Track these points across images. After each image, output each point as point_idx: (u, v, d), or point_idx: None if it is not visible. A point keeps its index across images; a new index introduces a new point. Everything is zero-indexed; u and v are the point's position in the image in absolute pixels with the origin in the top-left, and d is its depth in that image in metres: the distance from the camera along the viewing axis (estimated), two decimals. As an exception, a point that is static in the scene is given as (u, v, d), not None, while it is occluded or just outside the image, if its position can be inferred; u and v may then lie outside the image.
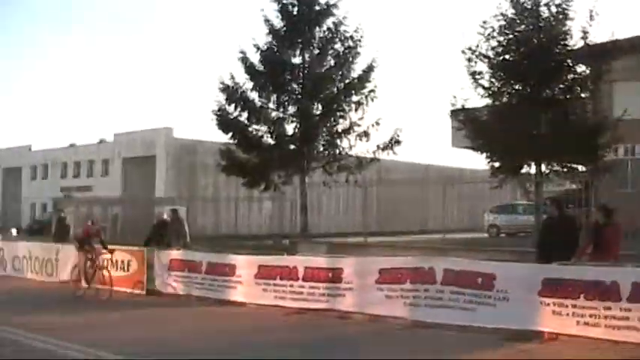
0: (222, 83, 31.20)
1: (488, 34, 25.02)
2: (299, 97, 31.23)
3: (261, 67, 31.40)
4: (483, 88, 25.22)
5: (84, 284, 20.13)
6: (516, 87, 25.12)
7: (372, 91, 31.48)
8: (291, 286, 16.56)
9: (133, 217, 34.81)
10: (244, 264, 17.83)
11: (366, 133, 31.40)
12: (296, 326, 15.10)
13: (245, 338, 13.74)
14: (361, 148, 31.74)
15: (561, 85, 24.73)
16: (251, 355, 11.92)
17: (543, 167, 25.18)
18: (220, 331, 14.42)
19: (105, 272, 19.86)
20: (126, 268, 20.74)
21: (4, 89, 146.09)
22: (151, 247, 20.80)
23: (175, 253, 19.86)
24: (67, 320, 15.77)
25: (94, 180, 64.36)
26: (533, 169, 25.55)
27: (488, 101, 25.67)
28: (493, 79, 25.20)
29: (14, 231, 45.28)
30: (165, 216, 22.73)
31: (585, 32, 24.23)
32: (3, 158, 76.25)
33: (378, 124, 31.32)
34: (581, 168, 25.76)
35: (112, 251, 20.25)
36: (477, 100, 25.76)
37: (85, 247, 20.40)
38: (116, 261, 20.91)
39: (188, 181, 54.56)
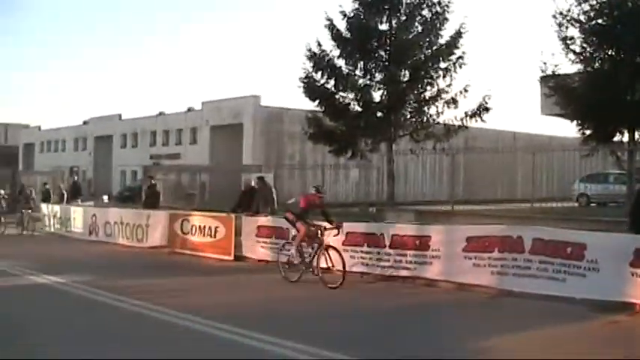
0: (309, 50, 31.27)
1: (580, -2, 24.46)
2: (386, 63, 31.07)
3: (347, 34, 31.31)
4: (575, 53, 24.67)
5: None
6: (609, 52, 24.49)
7: (460, 57, 31.11)
8: (378, 253, 16.63)
9: (221, 185, 35.30)
10: (331, 231, 17.94)
11: (453, 100, 31.09)
12: (381, 293, 15.18)
13: (328, 305, 13.90)
14: (449, 116, 31.47)
15: (656, 50, 24.00)
16: (334, 322, 12.06)
17: (637, 135, 24.59)
18: (304, 298, 14.58)
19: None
20: (213, 235, 21.10)
21: (96, 59, 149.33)
22: (239, 214, 21.13)
23: (263, 220, 20.12)
24: (156, 284, 16.21)
25: (182, 148, 65.30)
26: (626, 137, 24.97)
27: (579, 67, 25.10)
28: (585, 45, 24.61)
29: (105, 197, 46.49)
30: (252, 183, 23.02)
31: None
32: (94, 127, 78.05)
33: (466, 90, 30.98)
34: (675, 135, 25.07)
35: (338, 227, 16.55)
36: (568, 66, 25.24)
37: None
38: (204, 227, 21.33)
39: (275, 149, 54.95)
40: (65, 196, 33.37)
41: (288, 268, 16.57)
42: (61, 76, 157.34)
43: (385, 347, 10.01)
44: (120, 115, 75.63)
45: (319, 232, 16.15)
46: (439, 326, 11.88)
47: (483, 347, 10.03)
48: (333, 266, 15.84)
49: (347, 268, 15.70)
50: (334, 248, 16.06)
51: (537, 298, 13.35)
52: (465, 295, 14.45)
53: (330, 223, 16.30)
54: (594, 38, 24.44)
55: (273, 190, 22.91)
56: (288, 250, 16.77)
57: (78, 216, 28.23)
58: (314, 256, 16.17)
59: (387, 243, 16.47)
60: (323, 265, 16.00)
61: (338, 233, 16.38)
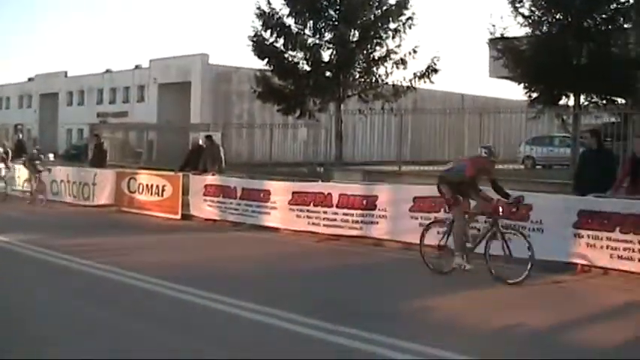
0: (259, 9, 31.04)
1: (530, -40, 24.52)
2: (336, 23, 30.95)
3: (298, -7, 31.11)
4: (523, 16, 24.78)
5: None
6: (557, 16, 24.64)
7: (409, 18, 31.17)
8: (325, 212, 16.66)
9: (169, 143, 34.93)
10: (279, 190, 17.95)
11: (402, 61, 31.18)
12: (328, 253, 15.23)
13: (276, 263, 13.93)
14: (398, 76, 31.59)
15: (603, 15, 24.17)
16: (280, 280, 12.08)
17: (582, 99, 24.84)
18: (251, 257, 14.57)
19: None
20: (161, 193, 20.95)
21: (40, 15, 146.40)
22: (187, 173, 20.97)
23: (210, 179, 20.01)
24: (104, 243, 16.05)
25: (129, 106, 64.64)
26: (571, 101, 25.24)
27: (527, 30, 25.24)
28: (534, 8, 24.73)
29: (51, 156, 45.71)
30: (200, 142, 22.82)
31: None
32: (40, 84, 76.75)
33: (415, 51, 31.08)
34: (620, 100, 25.36)
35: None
36: (517, 29, 25.39)
37: None
38: (151, 186, 21.15)
39: (223, 108, 54.58)
40: (9, 154, 32.77)
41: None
42: (5, 31, 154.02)
43: (326, 305, 10.02)
44: (66, 73, 74.50)
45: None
46: (383, 284, 11.95)
47: (427, 306, 10.10)
48: None
49: (293, 227, 15.86)
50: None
51: (482, 257, 13.45)
52: (411, 254, 14.52)
53: (505, 197, 12.28)
54: (543, 2, 24.58)
55: (221, 148, 22.72)
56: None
57: (22, 174, 27.73)
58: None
59: (335, 202, 16.50)
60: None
61: (517, 210, 12.48)
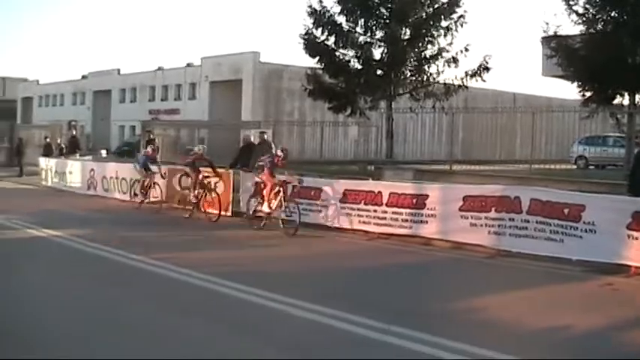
0: (310, 7, 31.07)
1: (585, -42, 24.22)
2: (387, 21, 30.87)
3: (349, -9, 31.09)
4: (577, 14, 24.49)
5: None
6: (612, 14, 24.30)
7: (461, 16, 30.96)
8: (375, 211, 16.68)
9: (220, 140, 35.17)
10: (329, 188, 17.99)
11: (454, 59, 31.00)
12: (377, 251, 15.23)
13: (327, 262, 13.99)
14: (449, 75, 31.43)
15: (659, 13, 23.82)
16: (330, 279, 12.13)
17: (637, 98, 24.49)
18: (302, 255, 14.64)
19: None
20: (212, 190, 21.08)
21: (96, 13, 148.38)
22: (237, 170, 21.09)
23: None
24: (157, 239, 16.27)
25: (181, 103, 65.16)
26: (626, 100, 24.89)
27: (582, 28, 24.93)
28: (588, 5, 24.42)
29: (104, 152, 46.42)
30: (251, 139, 22.93)
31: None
32: (93, 81, 77.73)
33: (466, 50, 30.87)
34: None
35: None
36: (571, 27, 25.08)
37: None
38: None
39: (274, 106, 54.89)
40: (64, 150, 33.34)
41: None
42: (60, 29, 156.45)
43: (377, 304, 10.05)
44: (119, 70, 75.31)
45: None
46: (433, 284, 11.95)
47: (477, 306, 10.07)
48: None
49: (343, 225, 15.99)
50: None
51: (534, 258, 13.41)
52: (462, 254, 14.50)
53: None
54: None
55: (273, 146, 22.82)
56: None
57: (75, 170, 28.16)
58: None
59: (385, 201, 16.51)
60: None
61: None
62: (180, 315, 9.23)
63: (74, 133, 38.94)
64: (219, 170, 20.82)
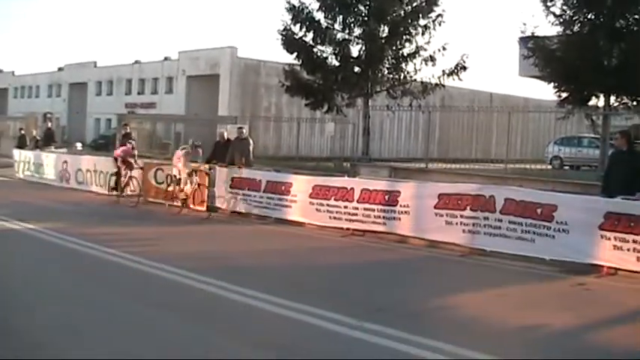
0: (289, 2, 30.99)
1: (562, -41, 24.34)
2: (365, 18, 30.87)
3: (327, -13, 31.08)
4: (555, 15, 24.63)
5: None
6: (589, 16, 24.45)
7: (439, 15, 31.01)
8: (346, 207, 16.69)
9: (196, 135, 35.14)
10: (300, 183, 18.00)
11: (431, 58, 31.05)
12: (351, 248, 15.22)
13: (300, 257, 14.02)
14: (426, 73, 31.47)
15: (636, 16, 23.97)
16: (303, 275, 12.14)
17: (612, 100, 24.65)
18: (276, 250, 14.65)
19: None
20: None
21: (73, 5, 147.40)
22: (213, 165, 21.04)
23: (237, 171, 20.06)
24: (130, 232, 16.21)
25: (158, 97, 64.95)
26: (601, 102, 25.05)
27: (559, 29, 25.08)
28: (565, 7, 24.56)
29: (79, 145, 46.10)
30: (225, 134, 22.88)
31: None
32: (69, 74, 77.27)
33: (444, 48, 30.92)
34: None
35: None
36: (548, 27, 25.27)
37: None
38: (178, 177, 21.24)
39: (251, 101, 54.86)
40: (38, 142, 33.09)
41: None
42: (37, 20, 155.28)
43: (349, 300, 10.06)
44: (95, 63, 74.94)
45: None
46: (407, 282, 11.97)
47: (451, 304, 10.11)
48: None
49: (315, 221, 16.01)
50: None
51: (508, 257, 13.47)
52: (436, 252, 14.55)
53: None
54: (574, 1, 24.40)
55: (251, 141, 22.77)
56: None
57: (50, 162, 27.98)
58: None
59: (356, 197, 16.51)
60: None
61: None
62: (154, 308, 9.21)
63: (49, 125, 38.65)
64: (193, 165, 20.82)
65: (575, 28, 24.66)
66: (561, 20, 24.64)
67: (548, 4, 24.59)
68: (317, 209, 17.25)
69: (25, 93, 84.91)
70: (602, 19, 24.02)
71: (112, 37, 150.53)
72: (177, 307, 9.41)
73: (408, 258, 14.32)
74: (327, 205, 17.08)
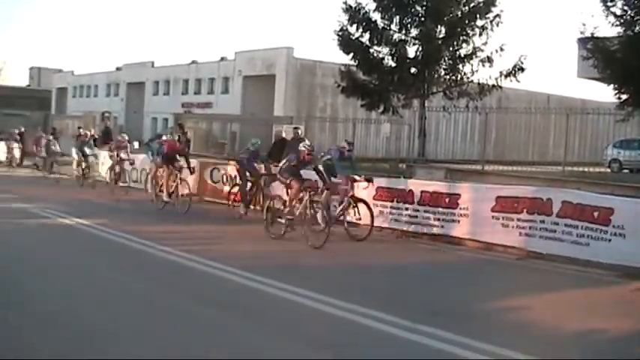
0: (346, 3, 31.09)
1: (624, -41, 24.06)
2: (422, 19, 30.84)
3: (384, -12, 31.11)
4: (615, 16, 24.34)
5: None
6: (650, 16, 24.16)
7: (497, 15, 30.86)
8: (407, 209, 16.74)
9: (252, 135, 35.44)
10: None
11: (489, 59, 30.89)
12: (408, 250, 15.28)
13: (355, 259, 14.13)
14: (483, 74, 31.32)
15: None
16: (358, 276, 12.25)
17: (674, 102, 24.33)
18: (331, 251, 14.70)
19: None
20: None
21: (131, 5, 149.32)
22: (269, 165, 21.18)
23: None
24: (187, 231, 16.49)
25: (214, 97, 65.37)
26: (662, 104, 24.72)
27: (619, 30, 24.77)
28: (626, 7, 24.26)
29: (136, 144, 46.61)
30: (283, 134, 23.04)
31: None
32: (127, 73, 78.21)
33: (502, 49, 30.74)
34: None
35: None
36: (608, 28, 24.94)
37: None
38: (234, 177, 21.43)
39: (307, 101, 55.01)
40: (96, 140, 33.53)
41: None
42: (96, 21, 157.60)
43: (405, 302, 10.16)
44: (153, 63, 75.65)
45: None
46: (462, 284, 12.00)
47: (506, 307, 10.14)
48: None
49: (375, 223, 15.99)
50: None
51: (565, 261, 13.42)
52: (492, 255, 14.55)
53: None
54: (636, 1, 24.09)
55: (306, 141, 22.84)
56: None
57: (107, 161, 28.37)
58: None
59: (417, 199, 16.57)
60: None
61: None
62: (216, 308, 9.39)
63: (108, 124, 39.23)
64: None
65: (637, 29, 24.35)
66: (622, 21, 24.34)
67: (609, 4, 24.31)
68: (380, 211, 17.26)
69: (83, 92, 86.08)
70: (665, 20, 23.70)
71: (169, 38, 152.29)
72: (236, 306, 9.59)
73: (464, 261, 14.35)
74: (390, 207, 17.15)
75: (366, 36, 31.27)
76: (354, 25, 31.18)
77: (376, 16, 31.26)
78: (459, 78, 31.27)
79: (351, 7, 31.05)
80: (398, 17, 31.15)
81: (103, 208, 20.57)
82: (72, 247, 13.98)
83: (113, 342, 7.70)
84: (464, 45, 30.98)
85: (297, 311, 9.40)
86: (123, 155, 24.94)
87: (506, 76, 30.64)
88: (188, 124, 34.52)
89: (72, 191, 24.98)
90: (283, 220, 15.89)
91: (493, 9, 30.81)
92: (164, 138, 23.22)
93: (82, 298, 9.60)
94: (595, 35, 24.73)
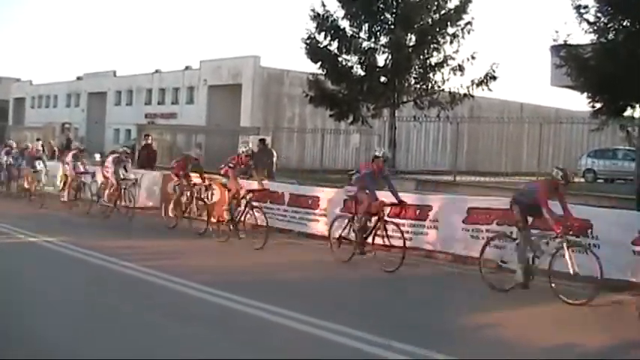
0: (313, 11, 31.10)
1: (595, -36, 24.21)
2: (392, 27, 30.90)
3: (353, -5, 31.14)
4: (588, 23, 24.42)
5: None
6: (624, 23, 24.28)
7: (468, 23, 30.98)
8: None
9: (218, 146, 35.30)
10: (328, 197, 18.01)
11: (460, 67, 31.00)
12: (374, 262, 15.18)
13: (323, 272, 14.06)
14: (455, 83, 31.41)
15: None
16: (326, 290, 12.17)
17: (648, 111, 24.48)
18: (299, 264, 14.68)
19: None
20: (209, 197, 21.04)
21: (91, 13, 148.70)
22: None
23: (258, 184, 20.04)
24: (147, 246, 16.32)
25: (178, 107, 65.23)
26: (637, 112, 24.85)
27: (592, 37, 24.89)
28: (599, 14, 24.36)
29: (97, 156, 46.26)
30: (249, 145, 22.92)
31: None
32: (88, 83, 77.82)
33: (473, 58, 30.86)
34: (689, 113, 24.93)
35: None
36: (581, 36, 25.10)
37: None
38: (199, 189, 21.28)
39: (274, 112, 55.02)
40: (56, 153, 33.24)
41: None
42: (56, 29, 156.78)
43: (378, 317, 10.08)
44: (115, 72, 75.44)
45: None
46: (432, 299, 11.94)
47: (481, 323, 10.12)
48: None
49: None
50: None
51: (539, 273, 13.37)
52: (463, 269, 14.50)
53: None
54: (609, 8, 24.22)
55: (274, 153, 22.76)
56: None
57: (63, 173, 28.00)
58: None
59: (387, 212, 16.47)
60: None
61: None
62: (180, 321, 9.29)
63: (70, 135, 38.91)
64: (215, 177, 20.79)
65: (610, 36, 24.46)
66: (595, 28, 24.42)
67: (582, 11, 24.38)
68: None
69: (42, 102, 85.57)
70: (638, 26, 23.84)
71: (131, 46, 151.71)
72: (199, 320, 9.49)
73: (434, 273, 14.30)
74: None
75: (335, 44, 31.29)
76: (322, 33, 31.20)
77: (345, 24, 31.34)
78: (429, 87, 31.35)
79: (318, 14, 31.05)
80: (367, 25, 31.21)
81: (55, 222, 20.39)
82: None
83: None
84: (435, 53, 31.08)
85: (258, 325, 9.31)
86: (81, 167, 24.55)
87: (477, 85, 30.75)
88: (152, 135, 34.28)
89: (22, 206, 24.65)
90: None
91: (464, 16, 30.96)
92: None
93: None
94: (568, 43, 24.82)
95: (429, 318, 10.32)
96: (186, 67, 65.65)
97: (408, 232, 16.00)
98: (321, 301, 10.99)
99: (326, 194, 18.38)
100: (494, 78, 30.51)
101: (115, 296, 10.93)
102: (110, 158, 22.15)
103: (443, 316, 10.43)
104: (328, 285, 12.76)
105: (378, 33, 31.25)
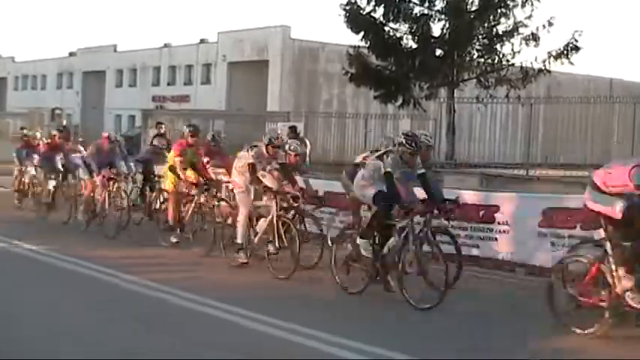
0: (354, -29, 31.23)
1: None
2: (450, -13, 30.98)
3: (403, -50, 31.23)
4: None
5: None
6: None
7: (544, -19, 30.99)
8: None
9: (240, 135, 35.49)
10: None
11: (534, 37, 30.95)
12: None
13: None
14: (527, 56, 31.42)
15: None
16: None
17: None
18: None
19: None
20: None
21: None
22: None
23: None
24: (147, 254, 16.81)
25: (192, 89, 65.50)
26: None
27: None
28: None
29: (95, 149, 46.45)
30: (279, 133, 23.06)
31: None
32: (83, 60, 78.12)
33: (550, 24, 30.80)
34: None
35: None
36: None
37: None
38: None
39: (307, 93, 55.04)
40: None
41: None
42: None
43: (431, 341, 10.23)
44: (115, 47, 75.65)
45: None
46: (499, 320, 11.89)
47: (561, 349, 10.13)
48: None
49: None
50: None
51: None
52: (539, 282, 14.46)
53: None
54: None
55: (307, 142, 22.82)
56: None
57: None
58: None
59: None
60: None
61: None
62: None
63: (64, 123, 39.25)
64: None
65: None
66: None
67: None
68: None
69: (28, 84, 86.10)
70: None
71: (135, 15, 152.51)
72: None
73: (503, 288, 14.31)
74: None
75: (380, 10, 31.39)
76: (365, -2, 31.28)
77: (392, -14, 31.37)
78: (496, 61, 31.33)
79: (361, -25, 31.16)
80: (420, -14, 31.26)
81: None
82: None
83: None
84: (502, 20, 31.06)
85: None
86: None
87: (556, 58, 30.70)
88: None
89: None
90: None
91: (539, -26, 30.89)
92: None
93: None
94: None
95: (491, 341, 10.38)
96: (202, 41, 65.85)
97: (471, 237, 16.04)
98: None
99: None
100: (577, 49, 30.41)
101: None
102: None
103: (507, 339, 10.45)
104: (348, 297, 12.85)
105: (433, -5, 31.31)
